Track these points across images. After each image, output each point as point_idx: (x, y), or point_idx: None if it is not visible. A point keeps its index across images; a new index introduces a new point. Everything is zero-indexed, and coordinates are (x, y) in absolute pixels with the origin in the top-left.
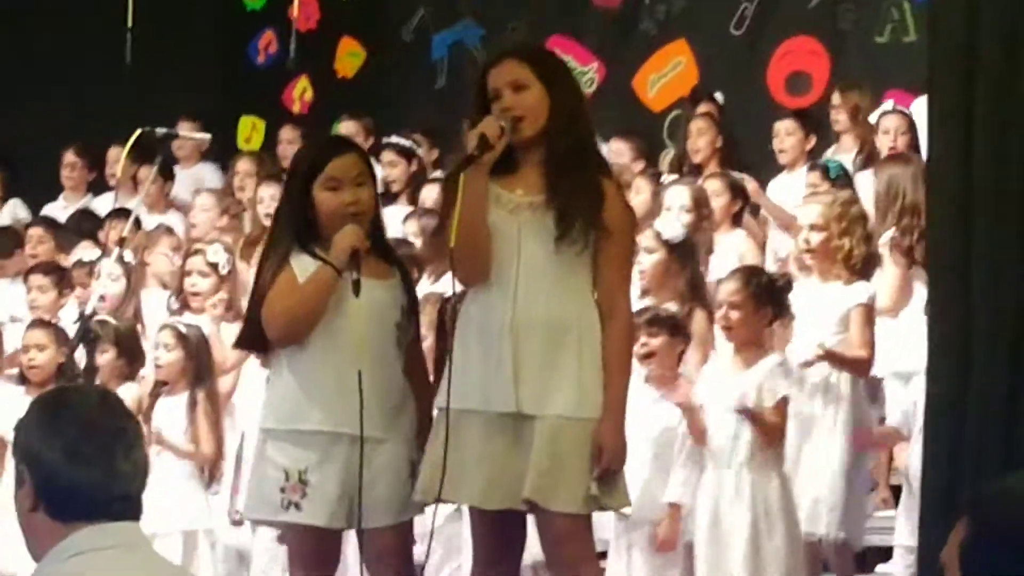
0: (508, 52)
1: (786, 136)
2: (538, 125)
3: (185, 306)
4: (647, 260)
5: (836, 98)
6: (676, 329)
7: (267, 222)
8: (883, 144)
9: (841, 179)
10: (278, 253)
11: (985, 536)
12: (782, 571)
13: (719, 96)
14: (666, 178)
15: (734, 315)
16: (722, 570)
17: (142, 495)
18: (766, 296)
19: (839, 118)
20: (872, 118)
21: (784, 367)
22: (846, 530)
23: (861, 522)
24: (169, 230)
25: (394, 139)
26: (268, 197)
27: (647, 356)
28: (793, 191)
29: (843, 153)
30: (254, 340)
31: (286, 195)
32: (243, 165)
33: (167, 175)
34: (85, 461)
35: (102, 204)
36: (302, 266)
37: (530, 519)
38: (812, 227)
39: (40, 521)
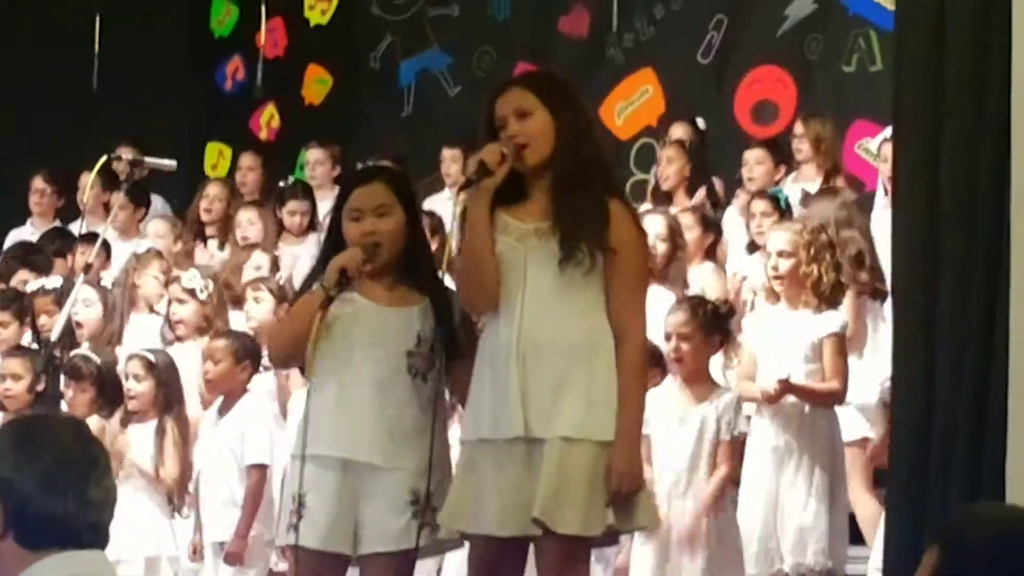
0: (514, 80)
1: (756, 165)
2: (543, 152)
3: (178, 337)
4: None
5: (799, 127)
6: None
7: (242, 244)
8: (884, 172)
9: (788, 209)
10: (308, 283)
11: (957, 563)
12: None
13: (700, 122)
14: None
15: (685, 346)
16: None
17: (110, 523)
18: (714, 325)
19: (801, 147)
20: (872, 145)
21: (740, 402)
22: (832, 559)
23: (843, 551)
24: (159, 253)
25: (370, 164)
26: (246, 221)
27: None
28: None
29: (805, 182)
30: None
31: (326, 230)
32: (213, 190)
33: (141, 201)
34: (60, 490)
35: (74, 230)
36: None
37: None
38: (780, 253)
39: (7, 548)
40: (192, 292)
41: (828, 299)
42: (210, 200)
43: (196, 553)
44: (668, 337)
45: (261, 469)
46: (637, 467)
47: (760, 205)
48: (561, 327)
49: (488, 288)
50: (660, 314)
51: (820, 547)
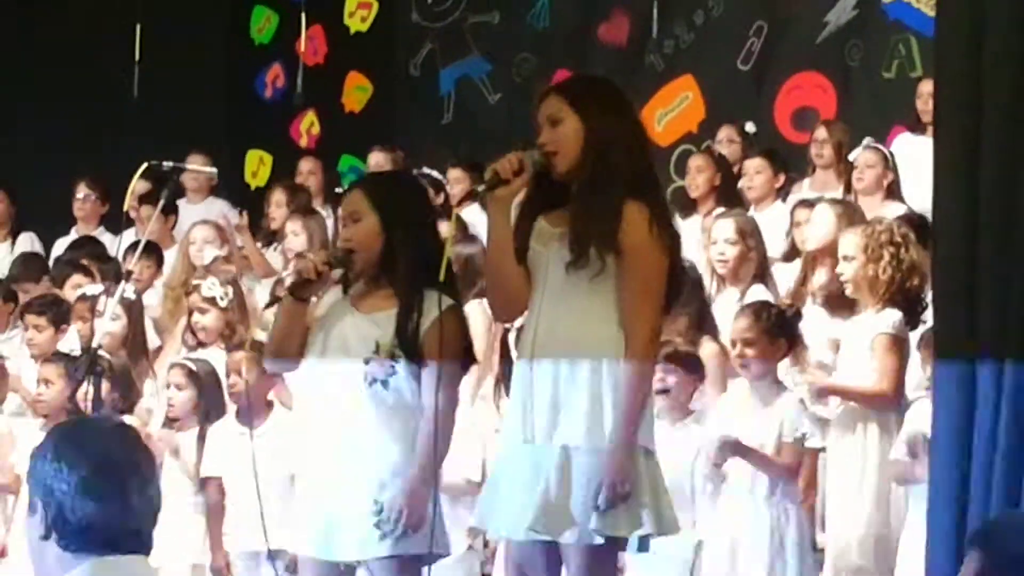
0: (551, 87)
1: (755, 174)
2: (571, 159)
3: (200, 343)
4: None
5: (821, 132)
6: (692, 366)
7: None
8: (854, 178)
9: None
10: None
11: (998, 566)
12: None
13: (750, 126)
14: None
15: (749, 351)
16: None
17: (153, 530)
18: (779, 329)
19: (823, 152)
20: (852, 155)
21: (803, 404)
22: (880, 564)
23: (893, 555)
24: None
25: (425, 170)
26: (291, 233)
27: (662, 391)
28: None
29: (817, 189)
30: None
31: None
32: (276, 196)
33: (170, 210)
34: (99, 497)
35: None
36: (330, 295)
37: None
38: (845, 258)
39: (50, 550)
40: (212, 300)
41: (885, 298)
42: (273, 208)
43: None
44: (733, 343)
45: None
46: (625, 471)
47: (804, 213)
48: (572, 333)
49: (510, 297)
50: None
51: (867, 551)
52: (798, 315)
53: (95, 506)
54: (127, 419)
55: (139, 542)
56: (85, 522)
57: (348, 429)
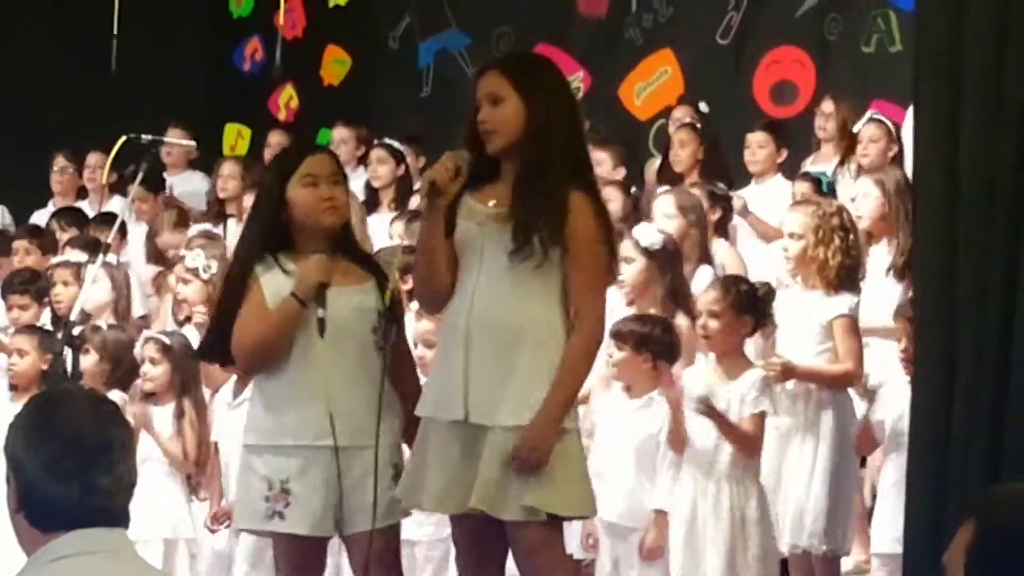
0: (492, 63)
1: (758, 148)
2: (510, 138)
3: (188, 317)
4: (628, 270)
5: (828, 106)
6: (641, 342)
7: None
8: (858, 152)
9: (832, 192)
10: (247, 261)
11: (994, 538)
12: None
13: (703, 106)
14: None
15: (713, 324)
16: None
17: (127, 506)
18: (747, 305)
19: (826, 126)
20: (856, 127)
21: (766, 381)
22: (832, 541)
23: (847, 532)
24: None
25: (387, 140)
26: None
27: (615, 367)
28: (763, 201)
29: (822, 163)
30: (215, 351)
31: (259, 197)
32: (227, 168)
33: (158, 185)
34: (64, 477)
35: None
36: (272, 287)
37: None
38: (791, 235)
39: (22, 523)
40: (195, 272)
41: (835, 283)
42: (224, 179)
43: (217, 521)
44: (699, 314)
45: None
46: (544, 447)
47: (802, 187)
48: (510, 315)
49: (441, 291)
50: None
51: (819, 528)
52: (771, 294)
53: (60, 486)
54: (116, 394)
55: (109, 517)
56: (51, 501)
57: (371, 397)
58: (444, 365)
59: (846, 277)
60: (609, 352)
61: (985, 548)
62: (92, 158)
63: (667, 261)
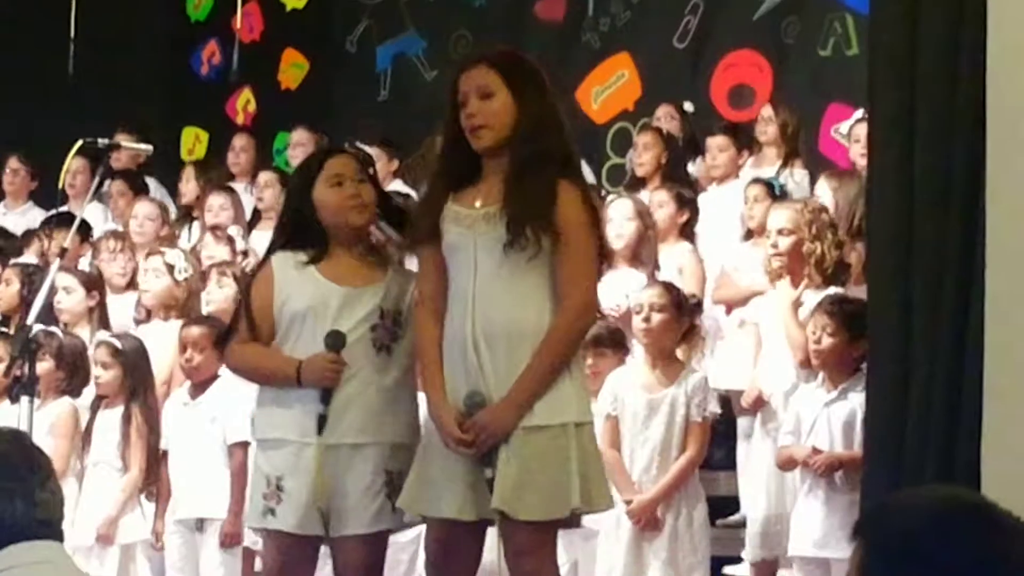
0: (480, 57)
1: (719, 152)
2: (501, 134)
3: (149, 314)
4: None
5: (767, 111)
6: (617, 344)
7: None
8: (855, 152)
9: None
10: (266, 255)
11: (881, 553)
12: None
13: (688, 105)
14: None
15: (656, 317)
16: None
17: (61, 520)
18: (683, 307)
19: (767, 130)
20: (844, 127)
21: (707, 383)
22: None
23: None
24: (115, 234)
25: (358, 144)
26: (217, 206)
27: (596, 374)
28: (724, 204)
29: (766, 165)
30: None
31: (284, 202)
32: (191, 172)
33: (138, 188)
34: (5, 494)
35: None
36: (281, 263)
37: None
38: (781, 231)
39: None
40: (171, 268)
41: (831, 277)
42: (184, 183)
43: (158, 540)
44: (639, 310)
45: (243, 447)
46: (503, 424)
47: (754, 191)
48: (512, 314)
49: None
50: (630, 294)
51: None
52: (699, 306)
53: (2, 503)
54: (62, 401)
55: (50, 531)
56: None
57: (363, 396)
58: (452, 373)
59: (838, 271)
60: (590, 362)
61: (876, 563)
62: (75, 163)
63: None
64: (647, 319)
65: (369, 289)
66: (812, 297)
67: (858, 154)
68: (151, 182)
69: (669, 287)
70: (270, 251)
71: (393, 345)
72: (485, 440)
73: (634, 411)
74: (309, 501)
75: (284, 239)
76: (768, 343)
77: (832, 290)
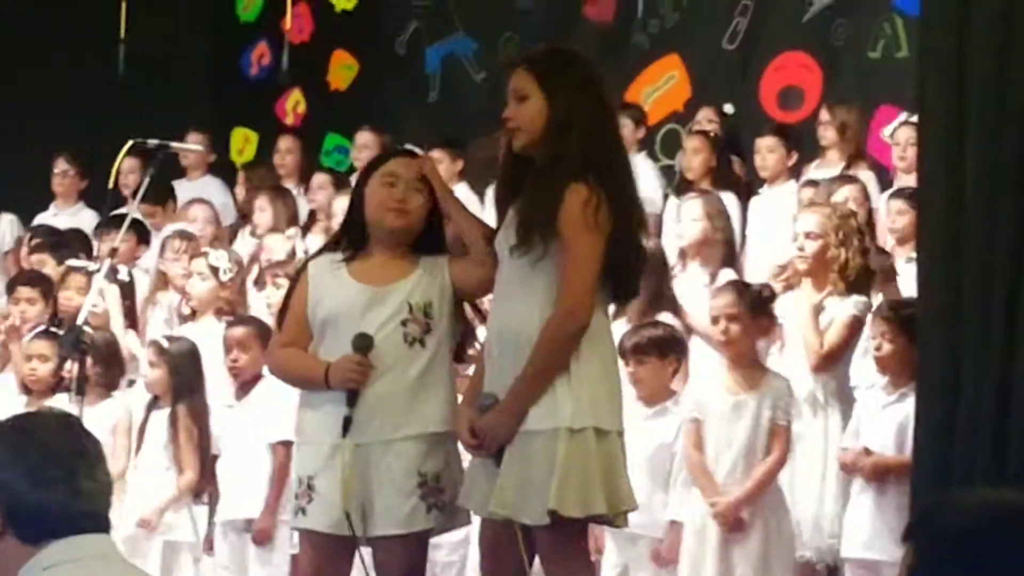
0: (523, 58)
1: (768, 153)
2: (531, 137)
3: (194, 311)
4: None
5: (824, 114)
6: (665, 350)
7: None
8: (895, 155)
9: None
10: (310, 257)
11: (932, 556)
12: None
13: (729, 107)
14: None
15: (734, 328)
16: None
17: (108, 511)
18: (758, 307)
19: (826, 134)
20: (887, 131)
21: (790, 388)
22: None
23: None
24: (182, 234)
25: (408, 147)
26: (258, 209)
27: (637, 380)
28: (774, 206)
29: (828, 167)
30: None
31: (353, 195)
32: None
33: (164, 195)
34: (49, 483)
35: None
36: (317, 267)
37: None
38: (808, 235)
39: (10, 546)
40: (216, 271)
41: (854, 284)
42: (237, 186)
43: (211, 548)
44: (716, 320)
45: (286, 446)
46: (501, 428)
47: (808, 193)
48: (519, 318)
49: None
50: (697, 292)
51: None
52: (773, 295)
53: (47, 493)
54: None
55: (96, 523)
56: (40, 510)
57: (395, 391)
58: (486, 378)
59: (862, 278)
60: (631, 369)
61: (927, 566)
62: (127, 163)
63: (654, 265)
64: (725, 331)
65: (395, 286)
66: (834, 303)
67: (898, 156)
68: (215, 182)
69: (741, 292)
70: (315, 255)
71: (426, 337)
72: (489, 444)
73: (719, 414)
74: (339, 502)
75: (334, 239)
76: (790, 344)
77: (854, 298)
